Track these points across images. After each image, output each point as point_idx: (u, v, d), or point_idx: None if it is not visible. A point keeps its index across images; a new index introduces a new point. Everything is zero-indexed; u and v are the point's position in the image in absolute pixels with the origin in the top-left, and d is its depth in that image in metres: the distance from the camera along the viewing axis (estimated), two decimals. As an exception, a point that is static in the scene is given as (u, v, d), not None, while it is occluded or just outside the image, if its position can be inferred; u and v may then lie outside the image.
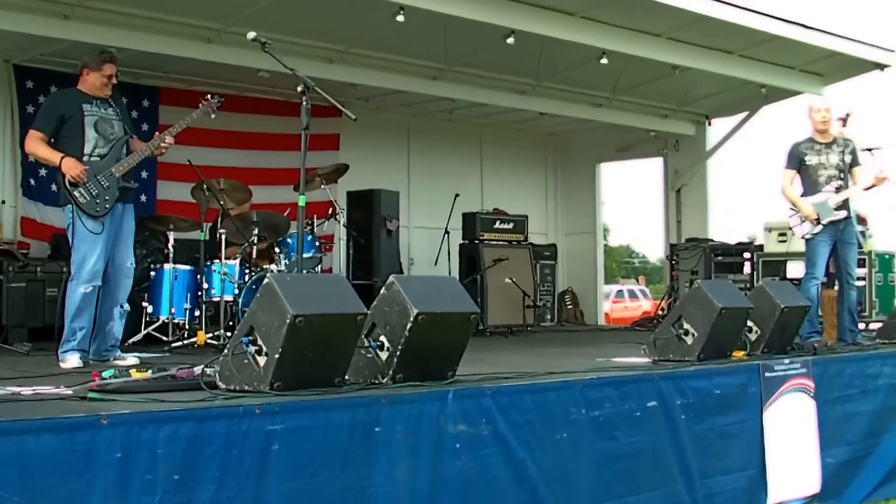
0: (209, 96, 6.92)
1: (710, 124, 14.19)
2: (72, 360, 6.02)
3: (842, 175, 7.83)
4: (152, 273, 8.25)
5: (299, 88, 5.49)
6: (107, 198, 6.22)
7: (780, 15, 10.82)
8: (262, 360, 3.96)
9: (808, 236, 7.80)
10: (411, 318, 4.28)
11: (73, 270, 6.18)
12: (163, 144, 6.48)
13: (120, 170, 6.30)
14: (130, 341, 7.71)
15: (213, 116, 6.91)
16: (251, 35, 5.52)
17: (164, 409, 3.52)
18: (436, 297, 4.52)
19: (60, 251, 9.54)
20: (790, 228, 8.08)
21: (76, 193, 6.12)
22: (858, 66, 12.25)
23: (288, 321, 3.86)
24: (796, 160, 7.91)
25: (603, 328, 14.10)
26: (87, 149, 6.27)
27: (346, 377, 4.23)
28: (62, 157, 6.14)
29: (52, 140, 6.31)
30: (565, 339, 10.38)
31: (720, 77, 11.92)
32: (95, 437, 3.22)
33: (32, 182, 9.94)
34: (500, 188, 14.12)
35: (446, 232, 11.92)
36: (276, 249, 8.48)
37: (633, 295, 30.04)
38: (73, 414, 3.34)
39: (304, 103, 5.44)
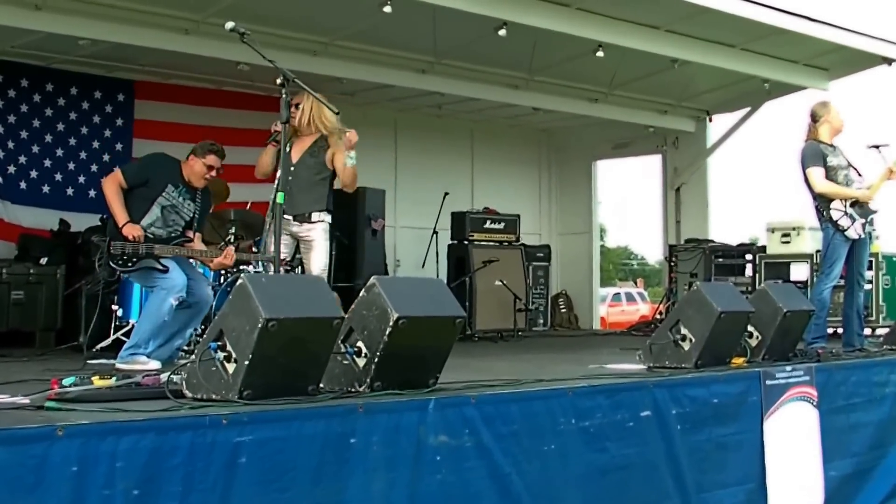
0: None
1: (710, 120, 14.13)
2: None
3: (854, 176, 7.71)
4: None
5: (278, 81, 5.40)
6: (133, 261, 6.43)
7: (784, 7, 10.65)
8: (230, 367, 3.79)
9: (862, 235, 7.56)
10: (391, 323, 4.10)
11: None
12: (217, 260, 6.78)
13: (161, 252, 6.52)
14: (99, 346, 7.55)
15: None
16: (229, 25, 5.36)
17: (124, 419, 3.36)
18: (419, 300, 4.35)
19: (28, 252, 9.36)
20: (840, 230, 7.46)
21: (115, 243, 6.35)
22: (865, 61, 12.13)
23: (260, 325, 3.68)
24: (821, 158, 7.57)
25: (598, 333, 13.94)
26: (145, 222, 6.57)
27: (321, 385, 4.07)
28: (127, 222, 6.41)
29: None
30: (557, 345, 10.23)
31: (721, 71, 11.80)
32: (50, 450, 3.07)
33: (0, 180, 9.71)
34: (492, 187, 13.96)
35: (434, 232, 11.80)
36: (255, 249, 8.28)
37: (630, 298, 29.81)
38: (27, 424, 3.17)
39: (284, 96, 5.39)
